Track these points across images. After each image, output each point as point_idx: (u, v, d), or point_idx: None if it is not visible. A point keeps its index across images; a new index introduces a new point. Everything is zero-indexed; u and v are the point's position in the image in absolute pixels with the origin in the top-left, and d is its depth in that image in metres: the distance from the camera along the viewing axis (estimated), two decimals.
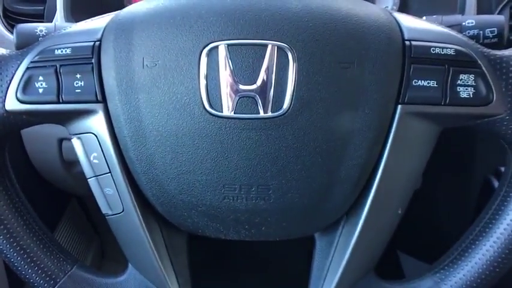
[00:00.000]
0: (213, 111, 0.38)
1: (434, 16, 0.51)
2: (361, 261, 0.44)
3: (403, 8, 0.72)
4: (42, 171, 0.83)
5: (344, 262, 0.43)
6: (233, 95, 0.38)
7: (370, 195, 0.41)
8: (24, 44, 0.45)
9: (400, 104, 0.40)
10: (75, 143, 0.43)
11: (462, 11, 0.66)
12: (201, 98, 0.38)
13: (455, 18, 0.50)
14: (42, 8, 0.73)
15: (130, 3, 0.76)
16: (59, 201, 0.99)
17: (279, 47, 0.38)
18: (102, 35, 0.41)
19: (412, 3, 0.74)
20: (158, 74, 0.39)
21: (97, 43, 0.41)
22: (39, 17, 0.73)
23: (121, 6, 0.75)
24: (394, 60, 0.39)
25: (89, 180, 0.44)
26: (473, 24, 0.47)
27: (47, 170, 0.83)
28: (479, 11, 0.66)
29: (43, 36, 0.46)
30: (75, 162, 0.77)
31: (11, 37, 0.72)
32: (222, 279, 1.05)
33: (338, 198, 0.41)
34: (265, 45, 0.38)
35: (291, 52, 0.38)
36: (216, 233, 0.44)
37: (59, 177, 0.82)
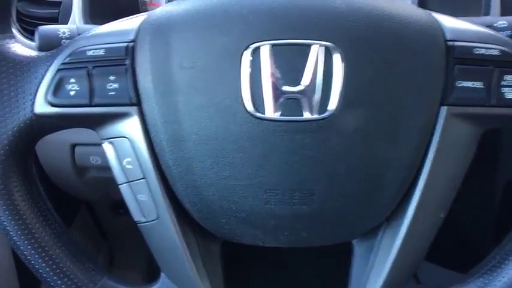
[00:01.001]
0: (255, 114, 0.37)
1: (465, 18, 0.50)
2: (404, 267, 0.43)
3: (422, 7, 0.71)
4: (53, 176, 0.82)
5: (387, 269, 0.42)
6: (277, 97, 0.37)
7: (415, 199, 0.40)
8: (47, 46, 0.43)
9: (444, 105, 0.39)
10: (107, 148, 0.42)
11: (487, 11, 0.65)
12: (243, 100, 0.37)
13: (486, 19, 0.49)
14: (56, 11, 0.72)
15: (146, 7, 0.75)
16: (69, 207, 0.98)
17: (325, 47, 0.37)
18: (136, 36, 0.40)
19: (430, 4, 0.73)
20: (198, 75, 0.37)
21: (131, 44, 0.39)
22: (54, 20, 0.72)
23: (136, 10, 0.74)
24: (438, 61, 0.38)
25: (120, 186, 0.42)
26: (506, 25, 0.46)
27: (58, 175, 0.81)
28: (503, 11, 0.66)
29: (66, 38, 0.45)
30: (88, 168, 0.76)
31: (25, 40, 0.71)
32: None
33: (382, 202, 0.40)
34: (310, 45, 0.36)
35: (338, 52, 0.36)
36: (254, 239, 0.43)
37: (70, 183, 0.80)
